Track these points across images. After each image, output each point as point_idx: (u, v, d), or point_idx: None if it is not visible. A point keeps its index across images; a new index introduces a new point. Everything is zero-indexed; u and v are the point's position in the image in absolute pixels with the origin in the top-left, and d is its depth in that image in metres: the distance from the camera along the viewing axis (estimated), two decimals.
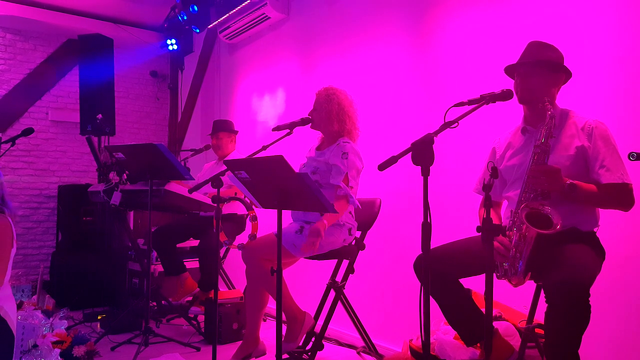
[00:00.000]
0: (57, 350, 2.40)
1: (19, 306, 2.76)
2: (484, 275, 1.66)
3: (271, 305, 2.84)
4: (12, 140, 3.52)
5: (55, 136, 5.26)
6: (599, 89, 2.18)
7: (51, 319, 2.66)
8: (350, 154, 2.54)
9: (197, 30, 4.94)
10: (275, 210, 2.08)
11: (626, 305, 2.05)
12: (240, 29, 4.51)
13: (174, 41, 5.56)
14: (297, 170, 2.11)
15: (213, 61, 5.34)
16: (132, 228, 4.48)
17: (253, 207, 2.59)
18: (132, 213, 4.57)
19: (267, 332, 2.82)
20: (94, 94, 4.18)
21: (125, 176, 3.20)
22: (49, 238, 5.13)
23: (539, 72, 1.94)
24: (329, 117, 2.61)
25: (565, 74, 1.97)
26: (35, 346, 2.39)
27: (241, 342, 2.68)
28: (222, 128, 3.83)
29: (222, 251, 4.01)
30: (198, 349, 2.99)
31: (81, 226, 4.50)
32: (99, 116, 3.81)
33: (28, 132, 3.59)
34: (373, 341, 2.87)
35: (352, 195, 2.49)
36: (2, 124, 4.96)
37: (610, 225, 1.97)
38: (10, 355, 1.97)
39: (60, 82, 5.31)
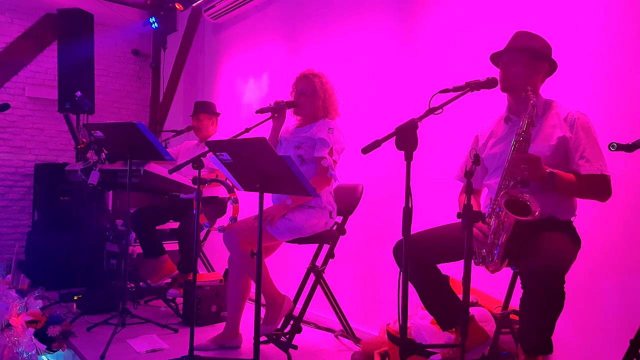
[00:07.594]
0: (31, 330, 2.36)
1: None
2: (462, 261, 1.68)
3: (252, 289, 2.84)
4: None
5: (32, 113, 5.12)
6: (583, 80, 2.20)
7: (26, 298, 2.62)
8: (335, 130, 2.57)
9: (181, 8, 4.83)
10: (257, 193, 2.06)
11: (600, 292, 2.10)
12: (226, 8, 4.42)
13: (154, 19, 5.42)
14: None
15: (197, 41, 5.23)
16: (110, 209, 4.41)
17: (234, 189, 2.57)
18: (110, 193, 4.50)
19: (246, 315, 2.81)
20: (73, 71, 4.05)
21: (103, 155, 3.14)
22: (25, 217, 5.02)
23: (521, 60, 1.95)
24: (318, 101, 2.61)
25: (548, 64, 1.98)
26: (8, 325, 2.36)
27: (221, 324, 2.67)
28: (203, 109, 3.77)
29: (202, 234, 3.98)
30: (176, 331, 2.98)
31: (58, 205, 4.42)
32: (78, 93, 3.71)
33: (4, 107, 3.46)
34: (351, 325, 2.90)
35: (334, 168, 2.50)
36: None
37: (586, 215, 2.01)
38: None
39: (38, 58, 5.14)
